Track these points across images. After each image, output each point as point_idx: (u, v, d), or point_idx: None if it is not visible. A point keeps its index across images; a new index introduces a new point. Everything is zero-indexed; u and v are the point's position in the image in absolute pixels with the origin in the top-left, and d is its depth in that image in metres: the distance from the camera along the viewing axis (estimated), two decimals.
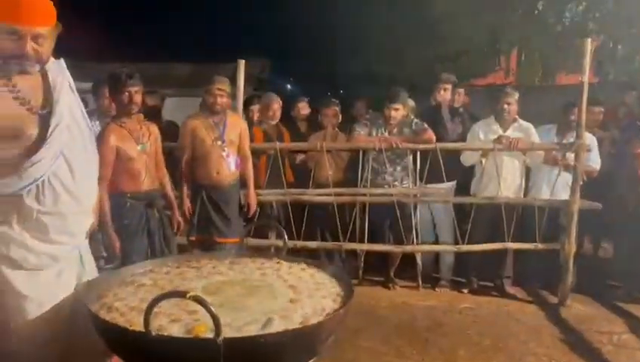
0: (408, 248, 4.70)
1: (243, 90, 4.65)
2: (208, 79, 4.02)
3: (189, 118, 4.13)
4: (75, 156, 2.04)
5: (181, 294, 1.56)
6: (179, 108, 5.91)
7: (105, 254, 3.13)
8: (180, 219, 3.76)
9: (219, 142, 4.02)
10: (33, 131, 1.94)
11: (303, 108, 5.50)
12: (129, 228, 3.36)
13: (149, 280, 2.22)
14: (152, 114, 4.36)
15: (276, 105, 4.99)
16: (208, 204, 4.03)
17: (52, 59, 2.11)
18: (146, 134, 3.44)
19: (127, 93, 3.29)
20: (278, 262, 2.49)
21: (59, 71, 2.09)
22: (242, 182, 4.30)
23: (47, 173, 1.93)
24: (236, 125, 4.17)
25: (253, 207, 4.34)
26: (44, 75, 2.04)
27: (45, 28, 1.90)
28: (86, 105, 4.16)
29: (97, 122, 3.95)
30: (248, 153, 4.32)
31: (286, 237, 2.66)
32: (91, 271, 2.24)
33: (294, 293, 2.05)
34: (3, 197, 1.90)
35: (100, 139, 3.27)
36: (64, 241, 2.02)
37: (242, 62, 4.50)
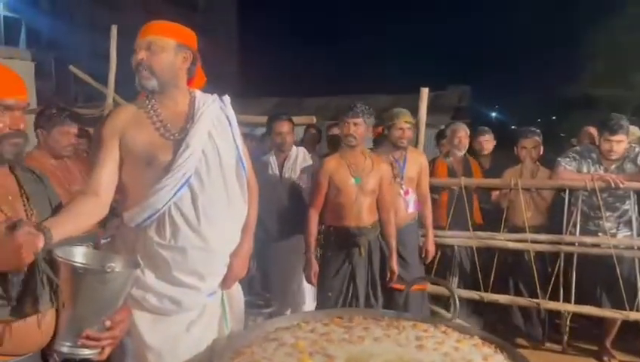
0: (632, 315, 3.71)
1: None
2: (409, 110, 3.81)
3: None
4: (205, 190, 1.94)
5: None
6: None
7: (262, 302, 3.02)
8: (395, 267, 3.43)
9: (397, 179, 3.71)
10: (166, 158, 1.91)
11: (487, 141, 4.85)
12: (328, 264, 3.33)
13: (291, 337, 2.00)
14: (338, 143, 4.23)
15: (462, 132, 4.49)
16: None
17: (211, 97, 2.08)
18: (367, 169, 3.32)
19: (346, 125, 3.29)
20: (444, 331, 2.05)
21: (209, 103, 2.05)
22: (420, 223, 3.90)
23: (168, 203, 1.86)
24: (416, 161, 3.83)
25: (432, 251, 3.89)
26: (190, 105, 2.03)
27: (158, 37, 1.93)
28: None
29: (274, 157, 3.96)
30: (427, 191, 3.92)
31: (457, 300, 2.19)
32: (237, 328, 2.09)
33: None
34: (128, 231, 1.87)
35: (318, 167, 3.47)
36: (190, 284, 1.90)
37: (425, 91, 4.14)
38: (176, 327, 1.91)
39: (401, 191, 3.71)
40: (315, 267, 3.33)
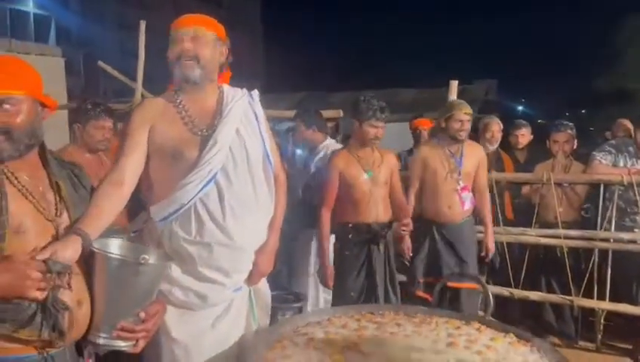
0: None
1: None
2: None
3: (422, 146, 3.85)
4: (231, 187, 1.93)
5: None
6: (400, 135, 5.65)
7: (292, 297, 3.01)
8: (409, 222, 3.27)
9: (454, 175, 3.56)
10: (193, 153, 1.90)
11: (523, 135, 4.73)
12: (347, 262, 3.22)
13: (322, 333, 1.98)
14: None
15: (496, 126, 4.39)
16: (440, 242, 3.57)
17: (240, 91, 2.08)
18: (377, 162, 3.25)
19: (374, 128, 3.16)
20: (478, 329, 2.00)
21: (237, 99, 2.04)
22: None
23: (194, 198, 1.86)
24: (474, 155, 3.67)
25: (492, 248, 3.73)
26: (218, 100, 2.02)
27: (202, 29, 1.94)
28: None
29: (305, 151, 3.97)
30: (485, 186, 3.77)
31: (490, 297, 2.15)
32: (263, 323, 2.09)
33: None
34: (155, 225, 1.87)
35: (327, 164, 3.34)
36: (215, 279, 1.90)
37: (454, 84, 4.07)
38: (202, 322, 1.92)
39: (458, 188, 3.54)
40: (331, 269, 3.23)
